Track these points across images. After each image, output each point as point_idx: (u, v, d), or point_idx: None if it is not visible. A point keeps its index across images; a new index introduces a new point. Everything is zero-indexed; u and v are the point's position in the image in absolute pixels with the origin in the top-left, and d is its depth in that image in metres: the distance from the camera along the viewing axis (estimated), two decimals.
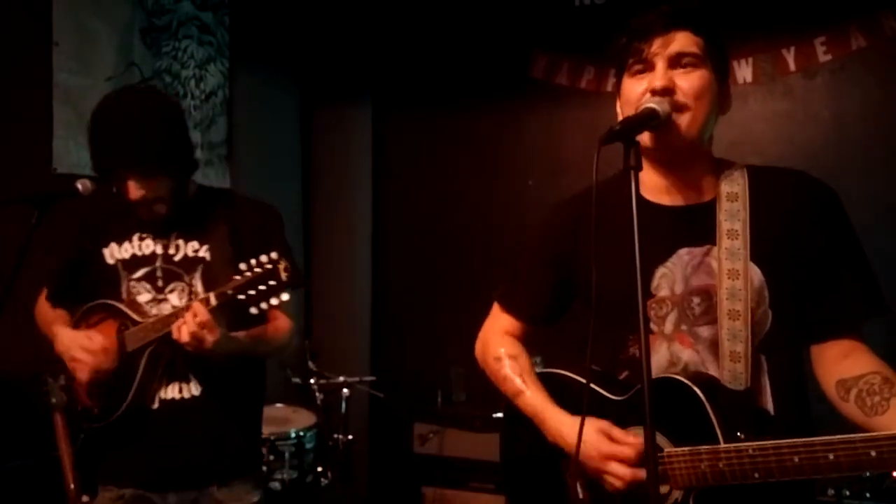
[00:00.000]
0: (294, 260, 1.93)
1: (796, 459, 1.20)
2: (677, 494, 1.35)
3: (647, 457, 1.11)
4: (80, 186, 2.03)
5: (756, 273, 1.38)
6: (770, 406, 1.39)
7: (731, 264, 1.38)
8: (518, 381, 1.61)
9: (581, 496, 1.51)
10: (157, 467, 1.95)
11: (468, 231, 4.18)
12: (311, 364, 3.64)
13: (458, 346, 3.98)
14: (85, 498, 2.52)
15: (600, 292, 1.31)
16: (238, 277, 1.72)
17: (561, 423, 1.50)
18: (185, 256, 1.97)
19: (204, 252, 1.96)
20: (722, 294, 1.38)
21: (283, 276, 1.70)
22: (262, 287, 1.70)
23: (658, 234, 1.42)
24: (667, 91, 1.34)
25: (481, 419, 3.62)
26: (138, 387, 1.90)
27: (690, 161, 1.43)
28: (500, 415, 3.86)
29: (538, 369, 1.65)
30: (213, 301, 1.75)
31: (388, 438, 4.26)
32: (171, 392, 1.94)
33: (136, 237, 1.99)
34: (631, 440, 1.39)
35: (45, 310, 2.13)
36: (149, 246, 1.98)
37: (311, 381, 3.54)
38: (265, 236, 1.98)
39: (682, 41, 1.37)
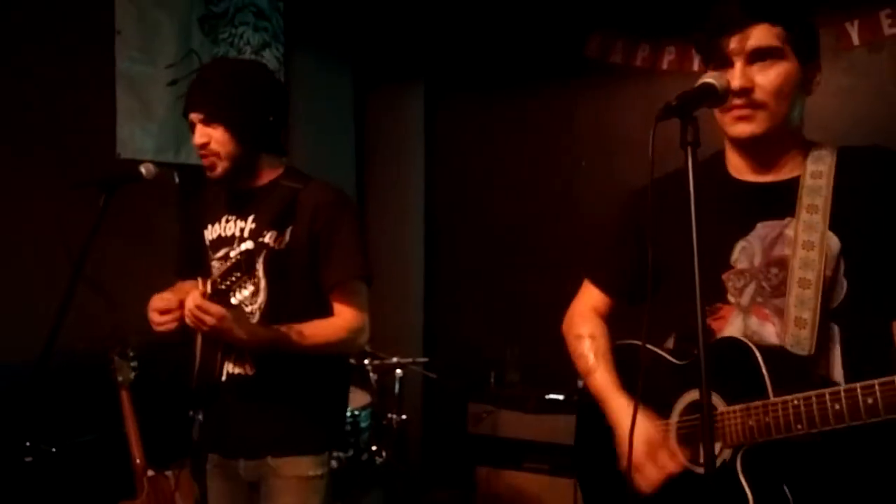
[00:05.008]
0: (361, 256, 2.01)
1: (837, 406, 1.22)
2: (726, 454, 1.36)
3: (703, 422, 1.12)
4: (143, 170, 2.11)
5: (834, 241, 1.37)
6: (840, 376, 1.37)
7: (807, 236, 1.38)
8: (591, 361, 1.67)
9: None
10: (226, 436, 2.05)
11: (520, 212, 4.17)
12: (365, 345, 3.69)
13: (512, 326, 4.03)
14: (150, 472, 2.62)
15: (677, 266, 1.34)
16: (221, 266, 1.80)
17: (618, 410, 1.56)
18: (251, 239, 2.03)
19: (269, 239, 1.96)
20: (794, 263, 1.38)
21: (244, 267, 1.76)
22: (232, 278, 1.76)
23: (738, 209, 1.46)
24: (745, 91, 1.35)
25: (535, 400, 3.63)
26: (200, 362, 2.00)
27: (775, 142, 1.43)
28: (553, 396, 3.85)
29: (618, 342, 1.69)
30: (206, 288, 1.80)
31: (441, 418, 4.30)
32: (235, 368, 2.01)
33: (223, 219, 2.07)
34: (669, 465, 1.44)
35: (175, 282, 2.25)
36: (229, 228, 2.05)
37: (366, 361, 3.58)
38: (325, 235, 1.99)
39: (759, 36, 1.36)
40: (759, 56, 1.36)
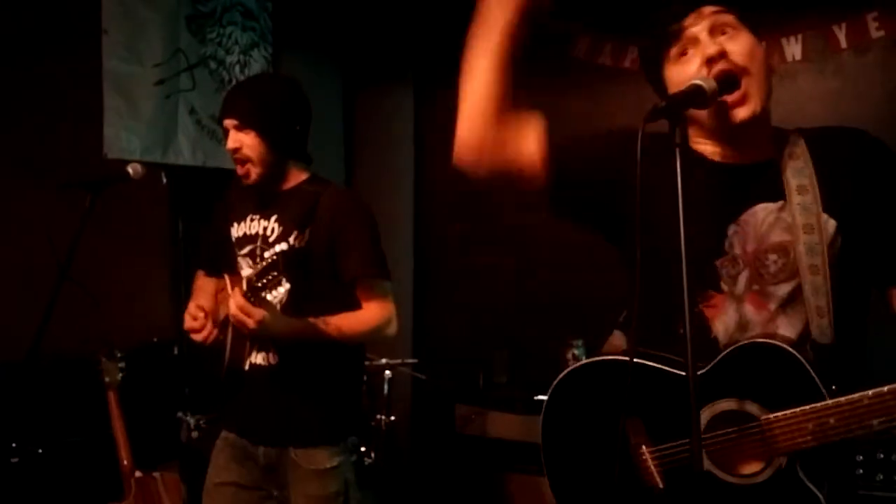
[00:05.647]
0: (378, 254, 2.14)
1: None
2: (781, 461, 1.31)
3: (693, 433, 1.10)
4: (130, 171, 2.13)
5: (831, 224, 1.37)
6: None
7: (805, 219, 1.36)
8: None
9: (660, 485, 1.44)
10: (248, 422, 2.17)
11: (510, 212, 4.17)
12: None
13: (501, 328, 4.02)
14: (138, 473, 2.61)
15: (662, 255, 1.28)
16: (258, 266, 1.95)
17: None
18: (277, 239, 2.15)
19: (291, 239, 2.10)
20: (800, 249, 1.36)
21: (281, 267, 1.88)
22: (269, 277, 1.88)
23: (728, 192, 1.41)
24: (722, 55, 1.33)
25: (523, 401, 3.63)
26: (230, 351, 2.11)
27: (753, 127, 1.39)
28: (542, 397, 3.85)
29: (585, 360, 1.61)
30: (243, 286, 1.95)
31: (430, 420, 4.29)
32: (258, 358, 2.14)
33: (249, 218, 2.20)
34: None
35: (197, 278, 2.39)
36: (254, 226, 2.18)
37: None
38: (341, 235, 2.11)
39: (714, 10, 1.37)
40: (720, 28, 1.36)
